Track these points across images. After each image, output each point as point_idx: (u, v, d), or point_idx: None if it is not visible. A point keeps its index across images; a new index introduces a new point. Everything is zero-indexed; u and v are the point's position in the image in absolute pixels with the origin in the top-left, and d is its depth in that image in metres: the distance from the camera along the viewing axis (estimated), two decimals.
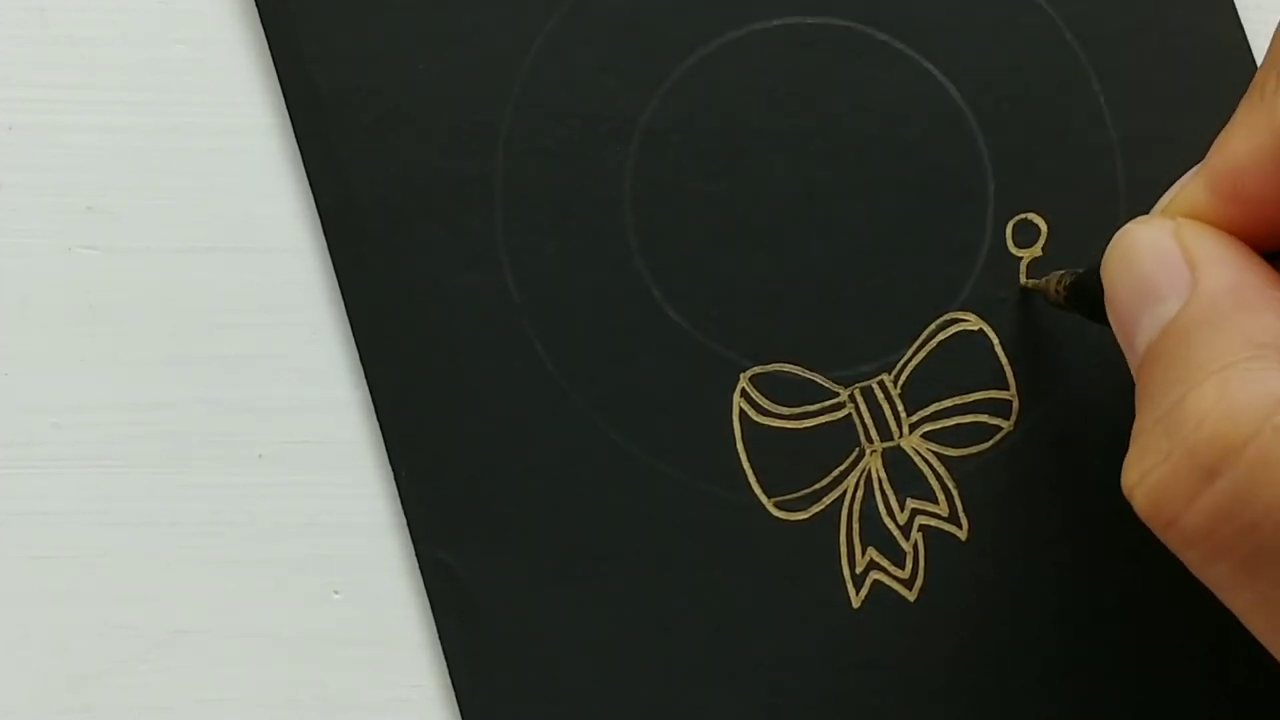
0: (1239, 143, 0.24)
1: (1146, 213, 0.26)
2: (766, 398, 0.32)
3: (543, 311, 0.32)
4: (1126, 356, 0.25)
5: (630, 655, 0.31)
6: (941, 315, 0.32)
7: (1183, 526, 0.22)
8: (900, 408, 0.32)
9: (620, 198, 0.32)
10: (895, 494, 0.32)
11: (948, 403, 0.32)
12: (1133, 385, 0.24)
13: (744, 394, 0.32)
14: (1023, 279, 0.32)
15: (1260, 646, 0.27)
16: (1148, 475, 0.23)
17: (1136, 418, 0.23)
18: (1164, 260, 0.24)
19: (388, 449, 0.32)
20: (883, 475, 0.32)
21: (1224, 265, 0.23)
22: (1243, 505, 0.21)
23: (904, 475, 0.32)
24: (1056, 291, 0.30)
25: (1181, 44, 0.33)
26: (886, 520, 0.32)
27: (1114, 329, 0.25)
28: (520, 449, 0.31)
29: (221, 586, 0.32)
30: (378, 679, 0.32)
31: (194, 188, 0.32)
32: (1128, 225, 0.25)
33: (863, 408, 0.32)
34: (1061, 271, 0.30)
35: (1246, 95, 0.24)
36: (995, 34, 0.32)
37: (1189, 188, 0.25)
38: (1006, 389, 0.32)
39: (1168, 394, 0.23)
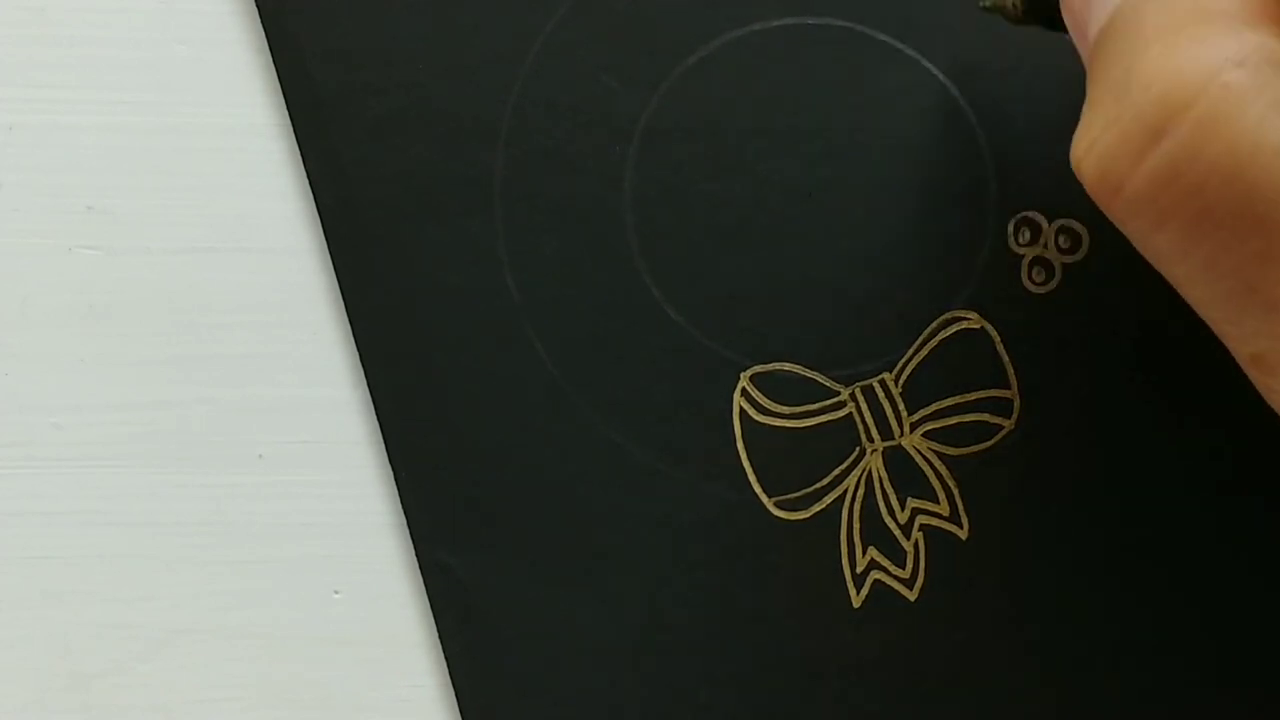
0: None
1: None
2: (767, 397, 0.32)
3: (543, 311, 0.32)
4: (1080, 50, 0.25)
5: (630, 655, 0.31)
6: (943, 314, 0.32)
7: (1129, 191, 0.22)
8: (901, 407, 0.32)
9: (620, 198, 0.32)
10: (896, 493, 0.32)
11: (949, 402, 0.32)
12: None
13: (744, 394, 0.32)
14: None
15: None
16: (1095, 143, 0.22)
17: (1087, 95, 0.23)
18: None
19: (388, 449, 0.32)
20: (883, 475, 0.32)
21: None
22: (1188, 164, 0.21)
23: (905, 475, 0.32)
24: (1014, 5, 0.29)
25: None
26: (887, 520, 0.32)
27: (1068, 25, 0.25)
28: (520, 449, 0.31)
29: (221, 586, 0.32)
30: (378, 679, 0.32)
31: (194, 188, 0.32)
32: None
33: (863, 407, 0.32)
34: None
35: None
36: (995, 34, 0.32)
37: None
38: (1008, 388, 0.32)
39: (1117, 64, 0.22)
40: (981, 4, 0.31)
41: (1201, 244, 0.21)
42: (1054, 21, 0.26)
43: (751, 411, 0.32)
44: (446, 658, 0.31)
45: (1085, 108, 0.23)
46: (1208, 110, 0.21)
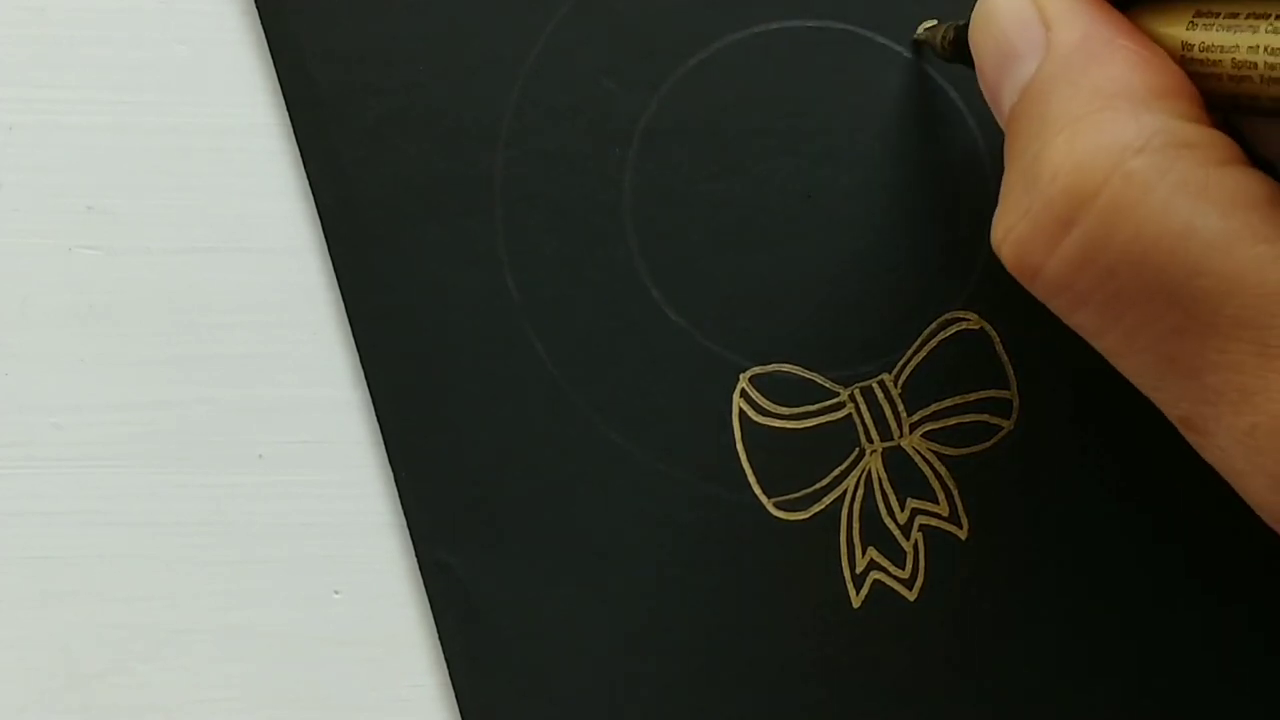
0: None
1: None
2: (766, 398, 0.32)
3: (543, 311, 0.32)
4: (998, 119, 0.25)
5: (630, 655, 0.31)
6: (942, 314, 0.32)
7: (1046, 276, 0.23)
8: (900, 407, 0.32)
9: (620, 198, 0.32)
10: (895, 494, 0.32)
11: (948, 402, 0.32)
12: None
13: (744, 394, 0.32)
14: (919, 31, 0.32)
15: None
16: (1011, 230, 0.23)
17: (1005, 176, 0.24)
18: (1021, 20, 0.24)
19: (388, 449, 0.32)
20: (883, 475, 0.32)
21: (1075, 20, 0.24)
22: (1098, 252, 0.22)
23: (904, 475, 0.32)
24: (943, 45, 0.30)
25: None
26: (886, 520, 0.32)
27: (984, 93, 0.26)
28: (520, 449, 0.31)
29: (221, 586, 0.32)
30: (378, 679, 0.32)
31: (194, 188, 0.32)
32: None
33: (863, 407, 0.32)
34: (947, 24, 0.30)
35: None
36: None
37: None
38: (1007, 388, 0.32)
39: (1026, 150, 0.23)
40: (917, 34, 0.31)
41: (1118, 322, 0.23)
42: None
43: (751, 412, 0.32)
44: (446, 658, 0.31)
45: (1002, 191, 0.24)
46: (1111, 200, 0.22)
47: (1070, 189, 0.22)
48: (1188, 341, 0.22)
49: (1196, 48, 0.23)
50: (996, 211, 0.24)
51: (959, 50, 0.29)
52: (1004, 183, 0.24)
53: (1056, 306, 0.24)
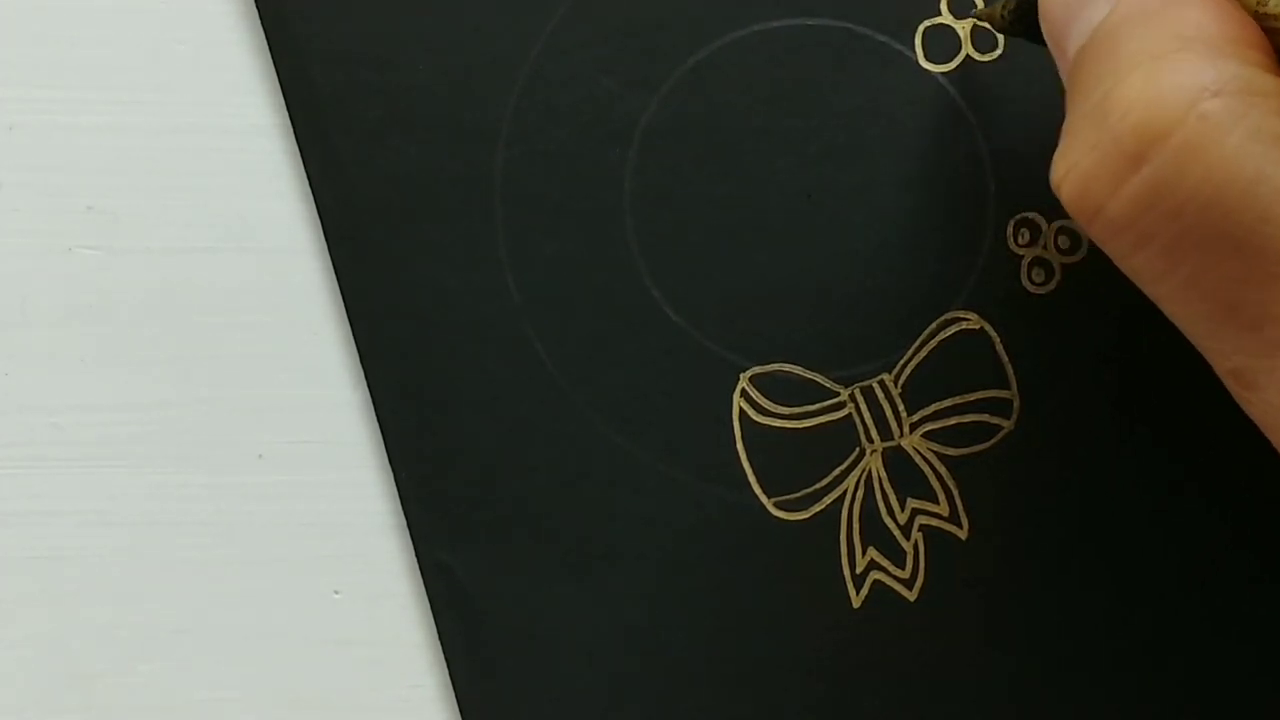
0: None
1: None
2: (766, 398, 0.32)
3: (543, 311, 0.32)
4: (1059, 68, 0.25)
5: (630, 655, 0.31)
6: (942, 314, 0.32)
7: (1108, 215, 0.23)
8: (901, 407, 0.32)
9: (620, 198, 0.32)
10: (895, 494, 0.32)
11: (948, 402, 0.32)
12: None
13: (744, 394, 0.32)
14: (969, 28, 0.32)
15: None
16: (1075, 166, 0.23)
17: (1066, 117, 0.24)
18: None
19: (388, 449, 0.32)
20: (883, 475, 0.32)
21: None
22: (1167, 191, 0.22)
23: (904, 475, 0.32)
24: (1002, 17, 0.30)
25: None
26: (886, 520, 0.32)
27: (1048, 42, 0.26)
28: (520, 449, 0.31)
29: (221, 586, 0.32)
30: (378, 679, 0.32)
31: (194, 188, 0.32)
32: None
33: (863, 407, 0.32)
34: None
35: None
36: (994, 35, 0.32)
37: None
38: (1007, 388, 0.32)
39: (1096, 88, 0.23)
40: (975, 12, 0.31)
41: (1180, 266, 0.22)
42: (1039, 33, 0.27)
43: (751, 412, 0.32)
44: (446, 658, 0.31)
45: (1065, 129, 0.24)
46: (1185, 140, 0.22)
47: (1143, 125, 0.22)
48: (1250, 291, 0.22)
49: (1272, 3, 0.23)
50: (1057, 151, 0.23)
51: (1020, 18, 0.29)
52: (1067, 123, 0.23)
53: (1115, 248, 0.23)
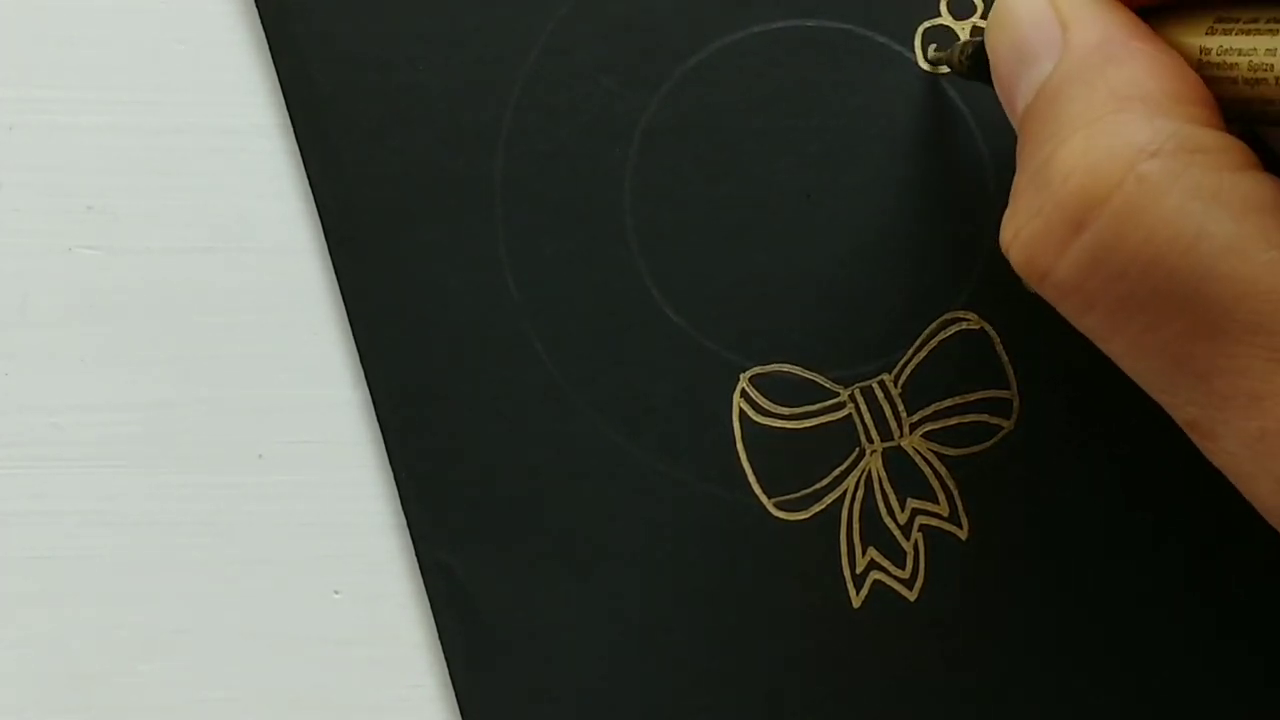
0: None
1: None
2: (766, 398, 0.32)
3: (543, 311, 0.32)
4: (1011, 122, 0.25)
5: (630, 655, 0.31)
6: (942, 314, 0.32)
7: (1055, 278, 0.23)
8: (900, 407, 0.32)
9: (620, 198, 0.32)
10: (895, 494, 0.32)
11: (948, 402, 0.32)
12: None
13: (744, 394, 0.32)
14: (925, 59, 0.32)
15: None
16: (1021, 230, 0.23)
17: (1016, 176, 0.24)
18: (1037, 21, 0.24)
19: (388, 449, 0.32)
20: (883, 475, 0.32)
21: (1093, 21, 0.24)
22: (1109, 254, 0.22)
23: (904, 475, 0.32)
24: (960, 61, 0.30)
25: None
26: (887, 520, 0.32)
27: (999, 96, 0.26)
28: (520, 449, 0.31)
29: (221, 586, 0.32)
30: (378, 679, 0.32)
31: (194, 188, 0.32)
32: None
33: (863, 408, 0.32)
34: (965, 41, 0.30)
35: None
36: None
37: None
38: (1007, 388, 0.32)
39: (1039, 151, 0.23)
40: (930, 56, 0.31)
41: (1128, 325, 0.23)
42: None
43: (751, 412, 0.32)
44: (446, 658, 0.31)
45: (1013, 190, 0.24)
46: (1124, 202, 0.22)
47: (1083, 190, 0.22)
48: (1197, 345, 0.22)
49: (1214, 51, 0.23)
50: (1006, 212, 0.24)
51: (977, 64, 0.29)
52: (1015, 184, 0.24)
53: (1066, 309, 0.24)
